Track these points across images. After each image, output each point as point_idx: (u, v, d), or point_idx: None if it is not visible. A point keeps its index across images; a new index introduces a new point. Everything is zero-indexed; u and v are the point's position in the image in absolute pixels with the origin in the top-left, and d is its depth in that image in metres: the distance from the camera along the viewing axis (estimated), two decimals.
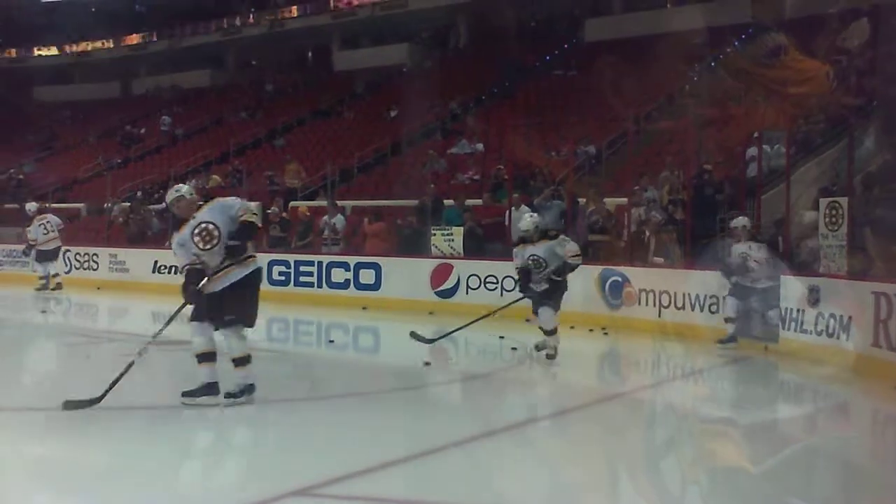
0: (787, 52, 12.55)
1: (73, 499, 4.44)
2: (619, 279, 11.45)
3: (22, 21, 34.07)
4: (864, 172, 10.90)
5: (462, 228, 13.62)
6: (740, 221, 9.71)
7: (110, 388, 5.85)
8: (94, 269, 17.21)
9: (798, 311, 8.97)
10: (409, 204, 15.88)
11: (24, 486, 4.62)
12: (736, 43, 20.64)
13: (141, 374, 8.17)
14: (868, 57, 13.75)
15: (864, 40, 13.88)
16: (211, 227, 5.81)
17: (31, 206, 16.75)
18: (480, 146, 19.28)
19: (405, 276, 13.55)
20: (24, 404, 6.28)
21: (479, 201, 15.42)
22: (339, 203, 16.75)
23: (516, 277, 8.90)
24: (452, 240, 13.46)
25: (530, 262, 8.45)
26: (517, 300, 9.14)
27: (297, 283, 14.51)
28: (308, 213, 16.67)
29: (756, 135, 12.28)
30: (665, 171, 13.55)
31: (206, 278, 5.84)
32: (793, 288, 9.13)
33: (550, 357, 8.59)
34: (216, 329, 6.01)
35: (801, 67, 12.51)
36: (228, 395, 5.99)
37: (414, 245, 14.14)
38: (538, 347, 8.78)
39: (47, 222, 15.78)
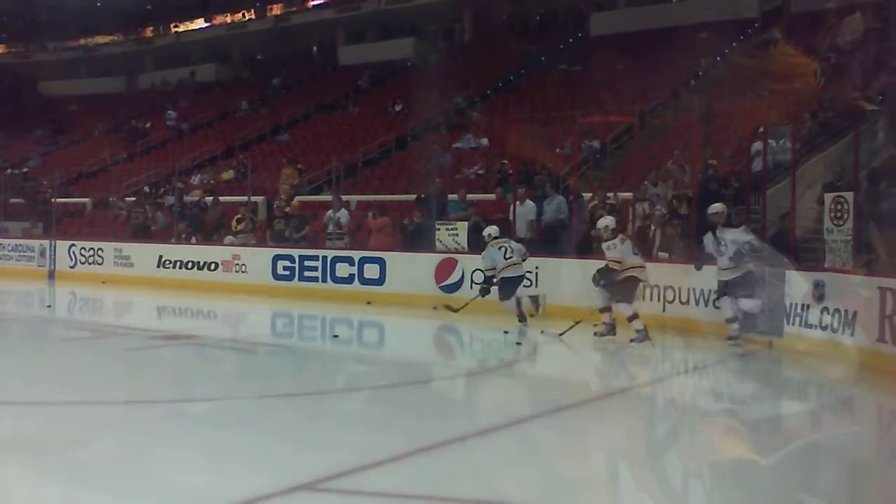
0: (776, 46, 12.53)
1: (79, 491, 4.46)
2: None
3: (28, 16, 34.12)
4: (869, 167, 10.88)
5: (466, 223, 13.62)
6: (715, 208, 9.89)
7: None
8: (100, 264, 17.27)
9: (803, 306, 8.96)
10: (414, 198, 15.89)
11: (31, 479, 4.64)
12: (742, 37, 20.62)
13: (146, 369, 8.22)
14: (869, 53, 13.70)
15: (857, 36, 13.80)
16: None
17: None
18: (485, 141, 19.27)
19: (410, 270, 13.56)
20: (29, 398, 6.30)
21: (483, 196, 15.42)
22: (344, 197, 16.77)
23: None
24: (457, 234, 13.46)
25: None
26: None
27: (301, 278, 14.54)
28: (297, 205, 16.75)
29: (761, 130, 12.25)
30: (670, 161, 13.53)
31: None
32: (798, 283, 9.11)
33: None
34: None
35: (789, 63, 12.49)
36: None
37: (418, 240, 14.15)
38: None
39: None
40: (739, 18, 21.65)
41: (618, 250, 9.65)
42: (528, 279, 11.48)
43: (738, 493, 4.76)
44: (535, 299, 11.15)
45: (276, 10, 33.34)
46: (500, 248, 11.08)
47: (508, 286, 11.02)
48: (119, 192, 21.27)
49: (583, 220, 12.97)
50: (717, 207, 9.84)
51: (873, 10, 13.77)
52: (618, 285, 9.65)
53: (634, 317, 9.62)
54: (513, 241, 11.52)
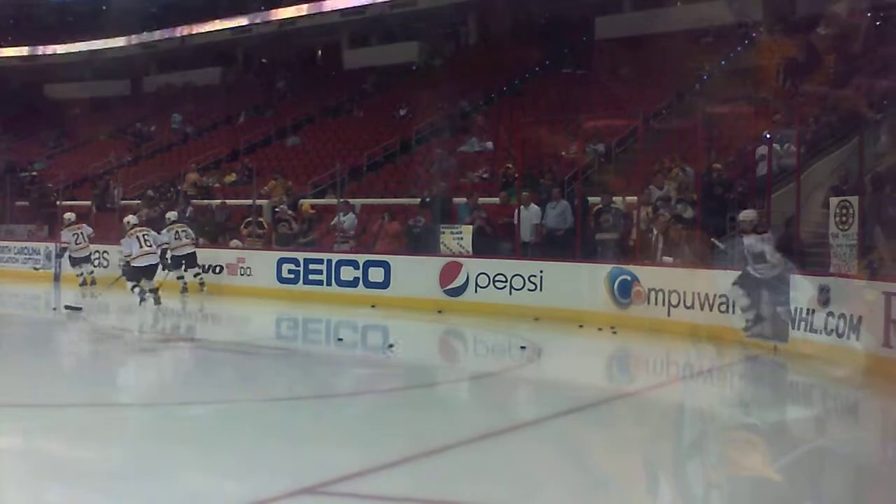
0: (755, 48, 12.47)
1: (85, 495, 4.46)
2: (629, 278, 11.43)
3: (34, 18, 34.22)
4: (874, 172, 10.86)
5: (471, 227, 13.62)
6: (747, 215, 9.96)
7: None
8: (105, 267, 17.27)
9: (808, 311, 8.93)
10: (419, 202, 15.88)
11: (36, 483, 4.65)
12: (746, 41, 20.60)
13: (150, 373, 8.24)
14: (873, 58, 13.68)
15: (857, 45, 13.77)
16: None
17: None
18: (490, 144, 19.27)
19: (414, 274, 13.56)
20: (34, 400, 6.31)
21: (488, 200, 15.41)
22: (350, 201, 16.76)
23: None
24: (461, 238, 13.46)
25: None
26: None
27: (306, 281, 14.54)
28: (312, 210, 16.71)
29: (766, 133, 12.23)
30: (673, 164, 13.52)
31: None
32: (803, 288, 9.09)
33: None
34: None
35: (761, 66, 12.47)
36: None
37: (423, 243, 14.14)
38: None
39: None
40: (744, 22, 21.59)
41: (125, 245, 13.00)
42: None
43: (742, 498, 4.75)
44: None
45: (282, 13, 33.32)
46: (138, 237, 13.06)
47: (138, 272, 13.20)
48: (114, 183, 21.34)
49: (587, 225, 12.96)
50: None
51: (871, 16, 13.76)
52: (132, 271, 13.12)
53: (142, 291, 13.02)
54: (153, 232, 13.60)
